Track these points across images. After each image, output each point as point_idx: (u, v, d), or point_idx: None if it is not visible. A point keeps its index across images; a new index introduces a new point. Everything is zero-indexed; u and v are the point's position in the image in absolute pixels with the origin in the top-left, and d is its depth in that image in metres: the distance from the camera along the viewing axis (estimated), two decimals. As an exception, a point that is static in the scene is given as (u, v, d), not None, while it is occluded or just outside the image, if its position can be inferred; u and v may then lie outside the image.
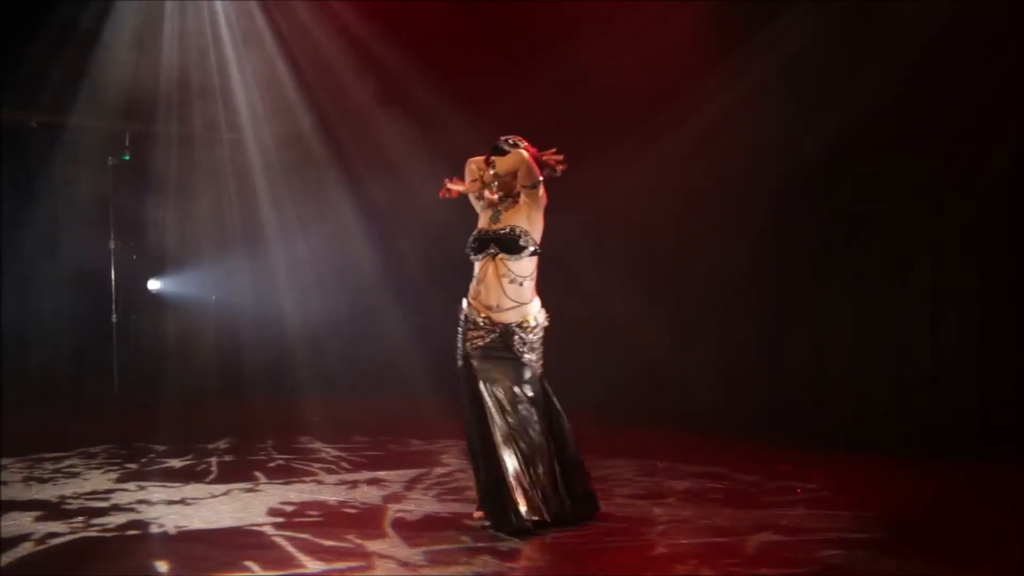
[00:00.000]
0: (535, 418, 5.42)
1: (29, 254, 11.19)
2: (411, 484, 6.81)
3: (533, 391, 5.46)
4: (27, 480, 6.96)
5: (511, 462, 5.28)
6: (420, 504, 6.19)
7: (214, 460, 7.63)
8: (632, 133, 9.69)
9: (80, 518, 5.83)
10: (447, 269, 11.60)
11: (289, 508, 6.08)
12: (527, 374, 5.46)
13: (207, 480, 6.88)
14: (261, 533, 5.46)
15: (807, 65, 8.83)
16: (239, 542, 5.28)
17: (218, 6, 11.38)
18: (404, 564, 4.93)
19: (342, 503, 6.27)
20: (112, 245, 11.82)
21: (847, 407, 8.63)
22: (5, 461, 7.47)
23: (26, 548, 5.23)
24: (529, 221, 5.52)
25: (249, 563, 4.85)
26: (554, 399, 5.57)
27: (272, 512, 5.93)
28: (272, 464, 7.53)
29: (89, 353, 11.71)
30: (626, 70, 9.56)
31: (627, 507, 6.06)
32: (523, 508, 5.25)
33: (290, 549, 5.16)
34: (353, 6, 10.90)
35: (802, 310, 9.04)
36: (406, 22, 10.74)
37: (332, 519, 5.85)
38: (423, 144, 11.13)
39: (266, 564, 4.84)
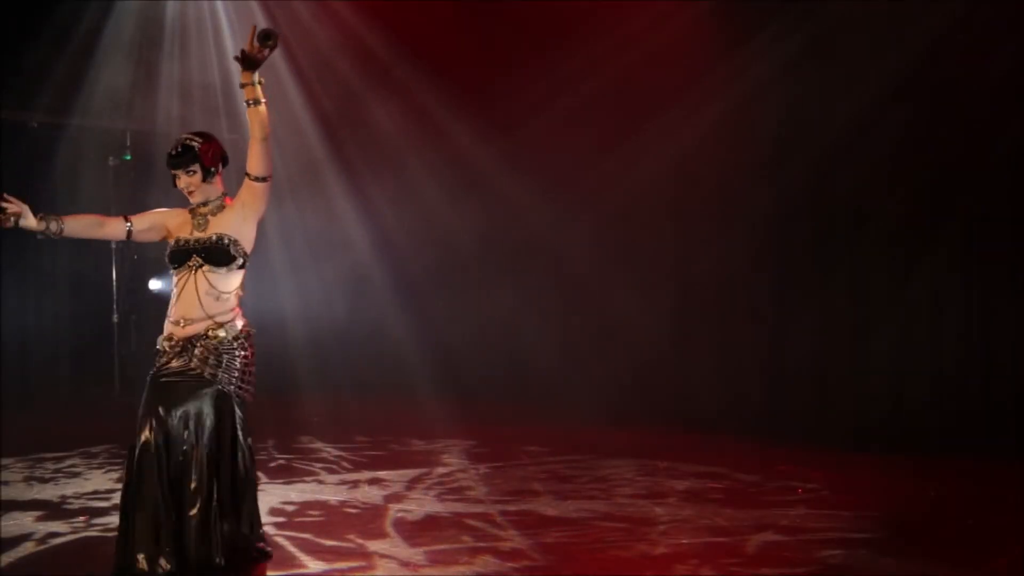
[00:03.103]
0: (206, 453, 4.55)
1: (29, 254, 11.19)
2: (412, 484, 6.81)
3: (213, 421, 4.57)
4: (28, 480, 6.98)
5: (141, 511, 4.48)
6: (421, 504, 6.20)
7: (215, 460, 7.63)
8: (632, 134, 9.69)
9: (81, 518, 5.84)
10: (448, 269, 11.75)
11: (290, 508, 6.09)
12: (211, 397, 4.58)
13: (208, 480, 6.88)
14: (262, 533, 5.46)
15: (806, 66, 8.82)
16: (240, 542, 5.28)
17: (219, 6, 11.39)
18: (405, 564, 4.94)
19: (343, 503, 6.28)
20: (113, 245, 11.80)
21: (848, 407, 8.62)
22: (6, 461, 7.48)
23: (27, 548, 5.24)
24: (241, 229, 4.73)
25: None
26: (242, 435, 4.67)
27: (273, 512, 5.93)
28: (273, 464, 7.53)
29: (89, 353, 11.71)
30: (626, 71, 9.57)
31: (628, 507, 6.06)
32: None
33: (291, 549, 5.17)
34: (353, 5, 10.90)
35: (803, 310, 9.04)
36: (408, 21, 10.74)
37: (333, 519, 5.87)
38: (425, 143, 11.15)
39: (267, 564, 4.85)
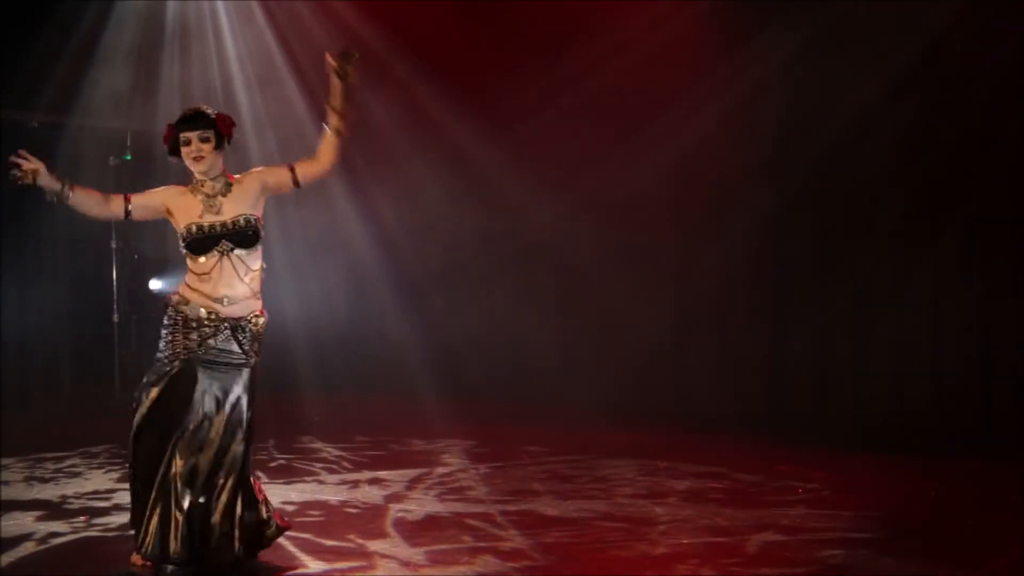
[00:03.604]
0: (240, 437, 4.62)
1: (30, 254, 11.19)
2: (412, 484, 6.81)
3: (247, 402, 4.66)
4: (28, 480, 6.98)
5: (175, 494, 4.52)
6: (421, 504, 6.20)
7: (215, 460, 7.63)
8: (633, 134, 9.69)
9: (81, 518, 5.84)
10: (448, 269, 11.75)
11: (291, 508, 6.09)
12: (248, 380, 4.67)
13: (208, 480, 6.87)
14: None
15: (806, 66, 8.82)
16: (240, 542, 5.28)
17: (219, 6, 11.38)
18: (405, 564, 4.94)
19: (343, 503, 6.28)
20: (113, 245, 11.81)
21: (848, 407, 8.63)
22: (6, 461, 7.48)
23: (27, 548, 5.25)
24: (256, 207, 4.73)
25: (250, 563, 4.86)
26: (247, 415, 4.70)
27: (273, 512, 5.93)
28: (273, 464, 7.53)
29: (89, 353, 11.70)
30: (626, 71, 9.57)
31: (628, 507, 6.06)
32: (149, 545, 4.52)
33: (291, 549, 5.17)
34: (354, 5, 10.90)
35: (803, 310, 9.04)
36: (408, 21, 10.73)
37: (333, 519, 5.87)
38: (425, 143, 11.14)
39: (268, 564, 4.85)
